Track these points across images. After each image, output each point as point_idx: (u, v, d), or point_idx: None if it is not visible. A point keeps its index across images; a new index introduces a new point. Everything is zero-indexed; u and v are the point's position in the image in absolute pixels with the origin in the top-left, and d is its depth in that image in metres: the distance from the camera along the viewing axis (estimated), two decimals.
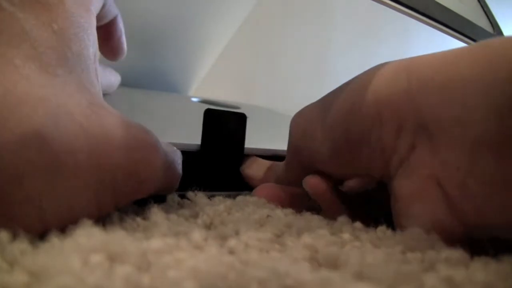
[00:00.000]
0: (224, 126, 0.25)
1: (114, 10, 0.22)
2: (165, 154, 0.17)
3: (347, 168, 0.19)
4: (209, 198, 0.21)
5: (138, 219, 0.16)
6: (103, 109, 0.15)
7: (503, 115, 0.14)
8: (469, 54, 0.16)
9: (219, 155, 0.25)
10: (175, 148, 0.20)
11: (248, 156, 0.26)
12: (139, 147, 0.15)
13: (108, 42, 0.24)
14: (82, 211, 0.13)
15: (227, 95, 0.76)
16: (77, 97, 0.14)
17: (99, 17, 0.21)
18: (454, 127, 0.15)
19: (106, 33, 0.24)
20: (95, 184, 0.14)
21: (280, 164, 0.24)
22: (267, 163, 0.25)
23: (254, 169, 0.25)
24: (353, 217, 0.19)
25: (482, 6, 0.38)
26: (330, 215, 0.19)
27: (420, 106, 0.16)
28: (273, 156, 0.27)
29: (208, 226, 0.17)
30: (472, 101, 0.15)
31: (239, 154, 0.26)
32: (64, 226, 0.13)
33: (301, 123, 0.21)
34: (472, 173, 0.15)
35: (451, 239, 0.15)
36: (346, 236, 0.16)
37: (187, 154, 0.23)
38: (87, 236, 0.12)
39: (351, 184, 0.24)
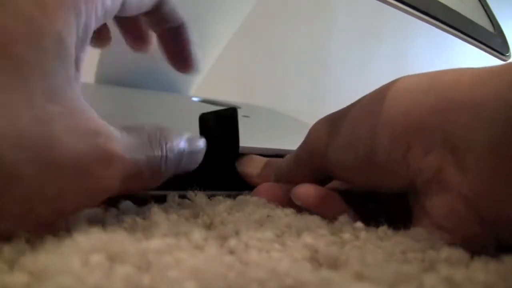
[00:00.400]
0: (218, 125, 0.25)
1: (174, 16, 0.21)
2: (133, 163, 0.16)
3: (366, 178, 0.19)
4: (209, 198, 0.21)
5: (138, 219, 0.16)
6: (61, 106, 0.14)
7: None
8: (499, 74, 0.16)
9: (217, 153, 0.25)
10: (166, 148, 0.18)
11: (244, 154, 0.26)
12: (91, 157, 0.14)
13: (175, 53, 0.23)
14: (40, 216, 0.13)
15: (228, 94, 0.76)
16: (31, 87, 0.13)
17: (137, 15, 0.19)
18: (485, 150, 0.15)
19: (171, 43, 0.22)
20: (42, 192, 0.13)
21: (279, 160, 0.24)
22: (263, 159, 0.25)
23: (251, 166, 0.25)
24: (354, 217, 0.19)
25: (482, 5, 0.38)
26: (329, 216, 0.19)
27: (449, 127, 0.16)
28: (273, 156, 0.27)
29: (208, 226, 0.17)
30: (502, 122, 0.15)
31: (235, 147, 0.25)
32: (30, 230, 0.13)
33: (323, 129, 0.21)
34: (503, 194, 0.15)
35: (480, 249, 0.16)
36: (346, 236, 0.16)
37: None
38: (87, 236, 0.12)
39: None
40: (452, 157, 0.16)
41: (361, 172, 0.19)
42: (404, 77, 0.19)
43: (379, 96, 0.19)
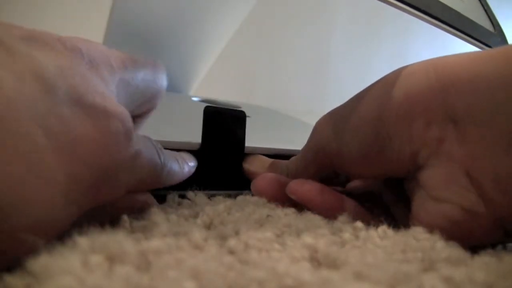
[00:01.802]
0: (224, 124, 0.25)
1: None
2: (148, 158, 0.16)
3: (374, 166, 0.19)
4: (209, 198, 0.21)
5: (138, 220, 0.16)
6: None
7: None
8: (497, 53, 0.17)
9: (219, 153, 0.25)
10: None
11: (250, 154, 0.26)
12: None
13: None
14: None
15: (228, 94, 0.76)
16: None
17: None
18: (484, 120, 0.16)
19: None
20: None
21: (283, 162, 0.24)
22: (269, 160, 0.25)
23: (256, 165, 0.25)
24: (353, 210, 0.19)
25: (482, 5, 0.38)
26: (329, 215, 0.19)
27: (450, 100, 0.17)
28: (273, 155, 0.27)
29: (208, 226, 0.17)
30: (500, 96, 0.16)
31: (240, 151, 0.26)
32: None
33: (328, 124, 0.21)
34: (501, 165, 0.16)
35: (479, 224, 0.16)
36: (346, 235, 0.16)
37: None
38: (86, 237, 0.12)
39: (356, 183, 0.24)
40: (453, 128, 0.17)
41: (368, 159, 0.19)
42: (406, 65, 0.19)
43: (382, 84, 0.19)
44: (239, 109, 0.27)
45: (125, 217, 0.16)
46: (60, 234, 0.12)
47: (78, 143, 0.12)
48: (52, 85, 0.12)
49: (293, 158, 0.24)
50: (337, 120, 0.21)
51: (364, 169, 0.20)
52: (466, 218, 0.16)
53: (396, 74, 0.19)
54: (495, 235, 0.17)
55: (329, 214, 0.19)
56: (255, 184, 0.22)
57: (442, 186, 0.17)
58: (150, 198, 0.19)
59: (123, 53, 0.17)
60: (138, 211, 0.17)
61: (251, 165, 0.25)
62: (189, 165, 0.21)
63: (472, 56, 0.17)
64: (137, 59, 0.17)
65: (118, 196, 0.15)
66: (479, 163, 0.16)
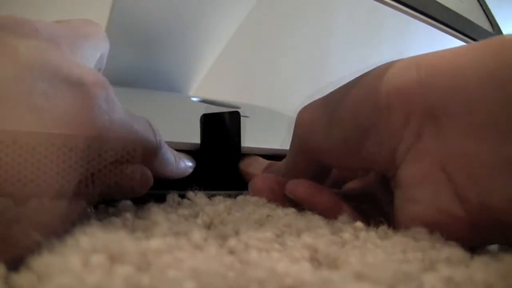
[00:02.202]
0: (221, 128, 0.25)
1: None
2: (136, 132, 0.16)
3: (355, 159, 0.19)
4: (209, 198, 0.21)
5: (138, 219, 0.16)
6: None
7: (508, 100, 0.15)
8: (477, 46, 0.16)
9: (217, 154, 0.25)
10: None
11: (248, 155, 0.26)
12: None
13: None
14: None
15: (227, 94, 0.76)
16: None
17: None
18: (461, 113, 0.16)
19: None
20: None
21: (279, 163, 0.24)
22: (266, 161, 0.25)
23: (253, 167, 0.25)
24: (348, 211, 0.19)
25: (481, 6, 0.38)
26: (328, 215, 0.19)
27: (429, 94, 0.17)
28: (273, 156, 0.27)
29: (208, 226, 0.17)
30: (478, 88, 0.16)
31: (237, 152, 0.26)
32: None
33: (309, 115, 0.21)
34: (477, 158, 0.16)
35: (455, 225, 0.16)
36: (346, 235, 0.16)
37: (187, 154, 0.23)
38: (88, 236, 0.12)
39: (353, 185, 0.24)
40: (431, 123, 0.17)
41: (350, 151, 0.19)
42: (394, 60, 0.19)
43: (367, 77, 0.19)
44: (237, 109, 0.27)
45: (128, 215, 0.16)
46: (61, 233, 0.12)
47: (64, 116, 0.13)
48: (28, 65, 0.12)
49: (285, 158, 0.24)
50: (319, 111, 0.21)
51: (346, 160, 0.20)
52: (441, 219, 0.16)
53: (382, 69, 0.19)
54: (475, 240, 0.16)
55: (328, 214, 0.19)
56: (253, 184, 0.22)
57: (417, 184, 0.17)
58: (141, 171, 0.18)
59: (67, 25, 0.17)
60: (128, 184, 0.17)
61: (248, 166, 0.25)
62: (185, 163, 0.21)
63: (456, 50, 0.17)
64: (80, 30, 0.17)
65: (106, 164, 0.15)
66: (455, 157, 0.16)
